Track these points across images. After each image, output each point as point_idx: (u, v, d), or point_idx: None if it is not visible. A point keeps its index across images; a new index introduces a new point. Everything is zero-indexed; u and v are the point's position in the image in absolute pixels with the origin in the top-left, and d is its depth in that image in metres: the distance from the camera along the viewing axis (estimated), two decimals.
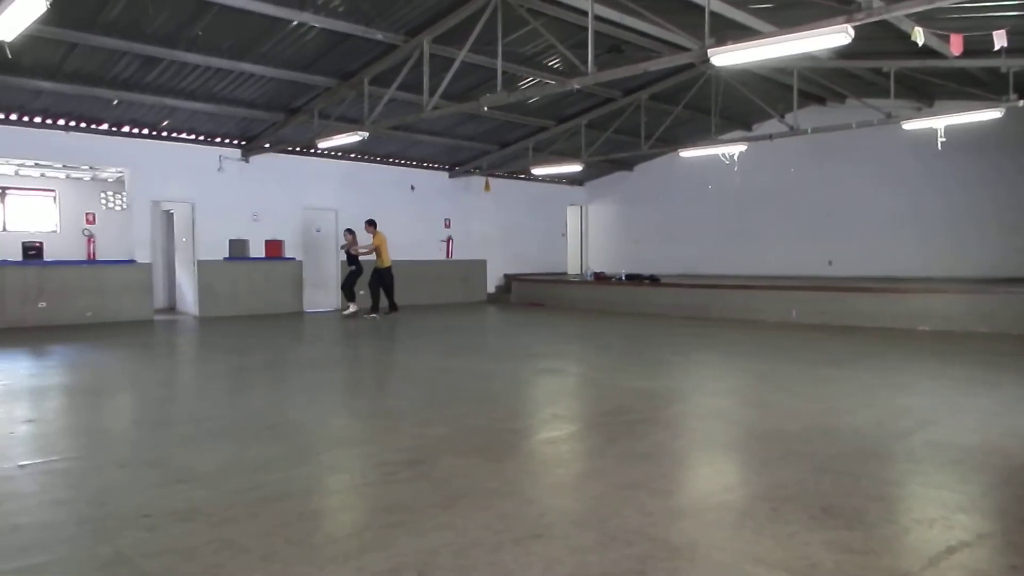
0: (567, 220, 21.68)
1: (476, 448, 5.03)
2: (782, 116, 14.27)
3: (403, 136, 15.43)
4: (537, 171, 17.27)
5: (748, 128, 17.47)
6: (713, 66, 9.40)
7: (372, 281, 14.39)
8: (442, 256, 18.38)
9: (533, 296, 18.45)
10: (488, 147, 17.25)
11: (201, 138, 14.17)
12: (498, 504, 3.91)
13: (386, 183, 17.05)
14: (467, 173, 18.37)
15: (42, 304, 12.27)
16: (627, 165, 20.27)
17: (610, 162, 19.15)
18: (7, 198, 15.58)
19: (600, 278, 17.87)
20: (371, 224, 14.40)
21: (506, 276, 19.70)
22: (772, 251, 17.31)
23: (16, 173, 15.26)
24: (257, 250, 15.02)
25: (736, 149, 14.80)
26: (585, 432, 5.78)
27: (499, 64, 9.87)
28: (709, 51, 7.52)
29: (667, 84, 14.00)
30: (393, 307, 14.55)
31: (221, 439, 5.34)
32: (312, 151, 15.26)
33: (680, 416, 6.25)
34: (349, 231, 14.82)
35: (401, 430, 5.61)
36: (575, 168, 16.61)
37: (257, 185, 14.87)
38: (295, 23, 9.86)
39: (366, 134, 11.98)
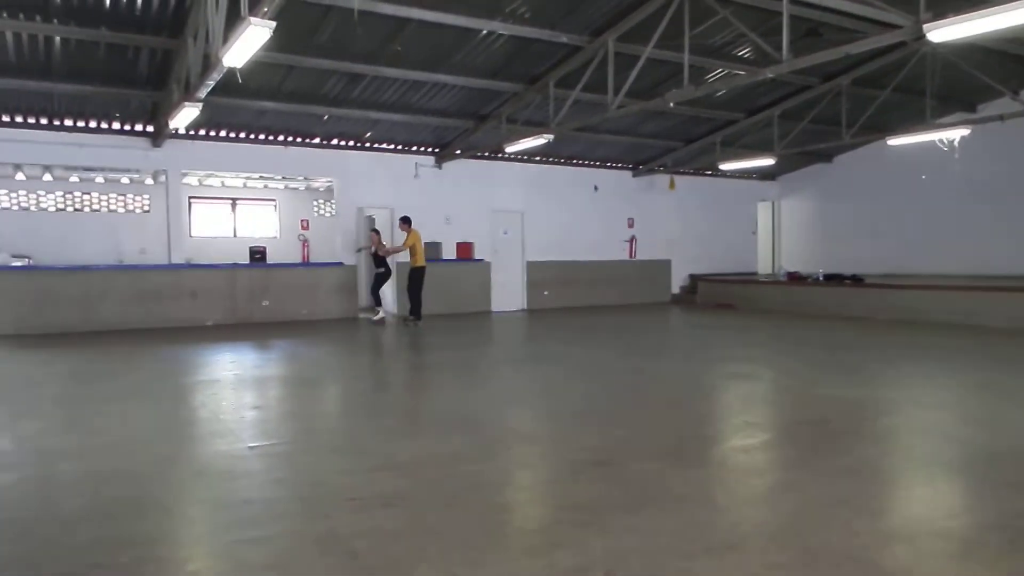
0: (758, 217, 20.65)
1: (664, 452, 4.93)
2: (1015, 93, 12.62)
3: (587, 137, 15.50)
4: (725, 167, 16.62)
5: (972, 109, 15.61)
6: (929, 42, 8.49)
7: (410, 284, 13.37)
8: (625, 256, 18.23)
9: (721, 297, 17.77)
10: (673, 144, 16.87)
11: (399, 147, 15.13)
12: (688, 511, 3.80)
13: (570, 184, 17.21)
14: (651, 171, 18.08)
15: (265, 302, 13.70)
16: (825, 157, 18.91)
17: (806, 154, 17.96)
18: (237, 208, 17.58)
19: (794, 278, 16.84)
20: (405, 222, 13.37)
21: (691, 276, 19.15)
22: (1000, 248, 15.36)
23: (244, 185, 17.19)
24: (449, 252, 15.77)
25: (957, 134, 13.27)
26: (781, 441, 5.47)
27: (685, 58, 9.62)
28: (925, 27, 6.81)
29: (872, 66, 12.87)
30: (417, 314, 13.37)
31: (418, 431, 5.66)
32: (500, 155, 15.76)
33: (890, 430, 5.72)
34: (375, 231, 13.96)
35: (586, 430, 5.62)
36: (767, 162, 15.78)
37: (449, 190, 15.62)
38: (484, 32, 10.23)
39: (551, 136, 12.17)
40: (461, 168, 15.60)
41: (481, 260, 16.14)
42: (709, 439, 5.52)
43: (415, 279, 13.30)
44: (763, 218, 20.87)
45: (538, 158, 16.56)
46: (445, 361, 9.37)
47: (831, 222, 19.22)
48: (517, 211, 16.57)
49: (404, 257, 13.58)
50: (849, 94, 13.59)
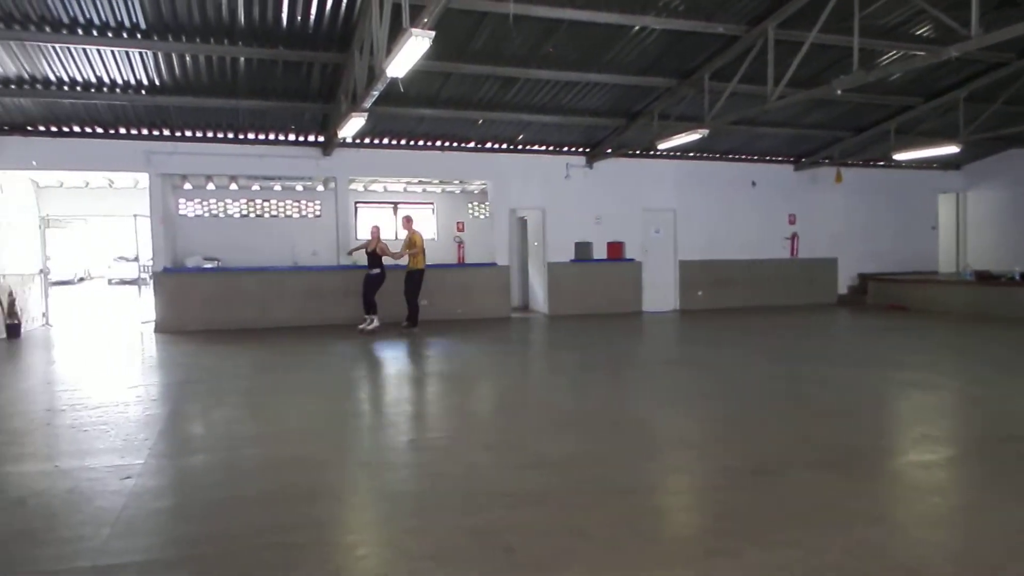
0: (938, 211, 18.88)
1: (831, 463, 4.64)
2: None
3: (744, 130, 14.87)
4: (900, 156, 15.32)
5: None
6: None
7: (408, 287, 12.49)
8: (786, 255, 17.31)
9: (894, 297, 16.43)
10: (839, 134, 15.81)
11: (550, 148, 15.26)
12: (860, 528, 3.55)
13: (725, 180, 16.59)
14: (814, 164, 17.04)
15: (424, 301, 14.28)
16: (1022, 142, 16.97)
17: (999, 139, 16.18)
18: (398, 211, 18.47)
19: (983, 277, 15.23)
20: (410, 221, 12.82)
21: (860, 275, 17.86)
22: None
23: (404, 189, 18.02)
24: (600, 252, 15.71)
25: None
26: (967, 459, 4.97)
27: (855, 41, 8.96)
28: None
29: None
30: (413, 320, 12.56)
31: (569, 430, 5.68)
32: (651, 153, 15.48)
33: None
34: (375, 227, 12.90)
35: (744, 437, 5.40)
36: (950, 150, 14.37)
37: (599, 189, 15.55)
38: (637, 28, 10.09)
39: (706, 131, 11.79)
40: (612, 167, 15.49)
41: (632, 260, 15.95)
42: (882, 451, 5.13)
43: (415, 282, 12.51)
44: (945, 211, 19.05)
45: (691, 154, 16.11)
46: (596, 362, 9.35)
47: None
48: (669, 209, 16.21)
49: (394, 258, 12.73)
50: None
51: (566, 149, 15.30)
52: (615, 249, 15.82)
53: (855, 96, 13.23)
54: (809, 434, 5.41)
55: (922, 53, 10.16)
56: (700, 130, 11.69)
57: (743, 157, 16.74)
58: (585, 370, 8.69)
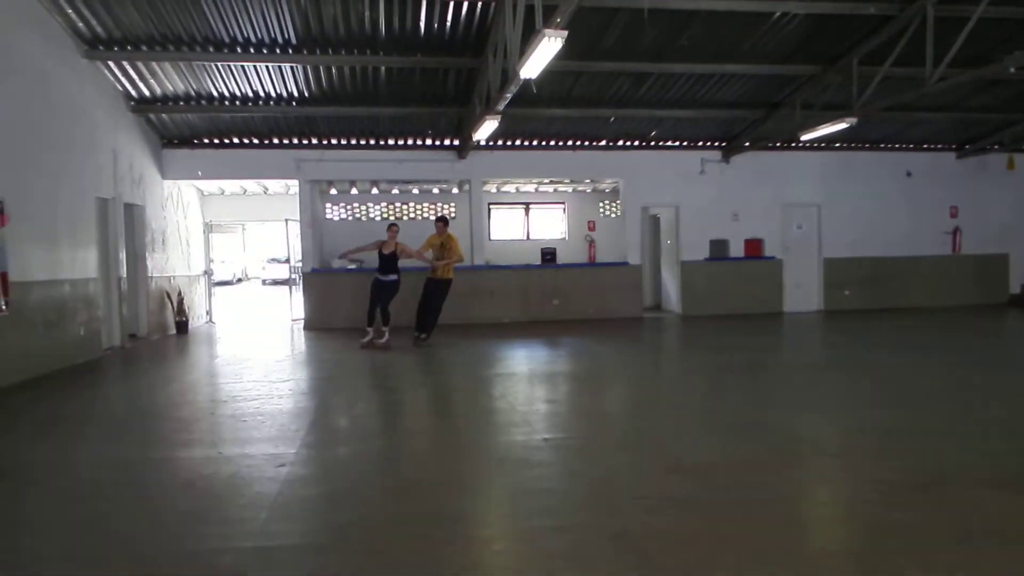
0: None
1: (1004, 480, 4.22)
2: None
3: (898, 117, 13.82)
4: None
5: None
6: None
7: (439, 298, 11.01)
8: (946, 250, 15.93)
9: None
10: (1012, 117, 14.33)
11: (684, 143, 14.87)
12: None
13: (876, 171, 15.49)
14: (981, 151, 15.58)
15: (555, 301, 14.35)
16: None
17: None
18: (530, 212, 18.65)
19: None
20: (444, 222, 11.32)
21: None
22: None
23: (536, 190, 18.18)
24: (737, 250, 15.14)
25: None
26: None
27: None
28: None
29: None
30: (429, 330, 11.01)
31: (709, 435, 5.50)
32: (793, 145, 14.73)
33: None
34: (393, 225, 11.27)
35: (901, 448, 5.01)
36: None
37: (736, 184, 14.98)
38: (778, 14, 9.64)
39: (854, 120, 11.06)
40: (750, 161, 14.88)
41: (772, 258, 15.25)
42: None
43: (445, 293, 11.05)
44: None
45: (838, 144, 15.18)
46: (734, 363, 9.01)
47: None
48: (813, 204, 15.36)
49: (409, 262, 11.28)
50: None
51: (701, 144, 14.87)
52: (753, 247, 15.19)
53: None
54: (977, 447, 4.95)
55: None
56: (848, 119, 10.99)
57: (896, 146, 15.60)
58: (722, 372, 8.40)
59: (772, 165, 15.00)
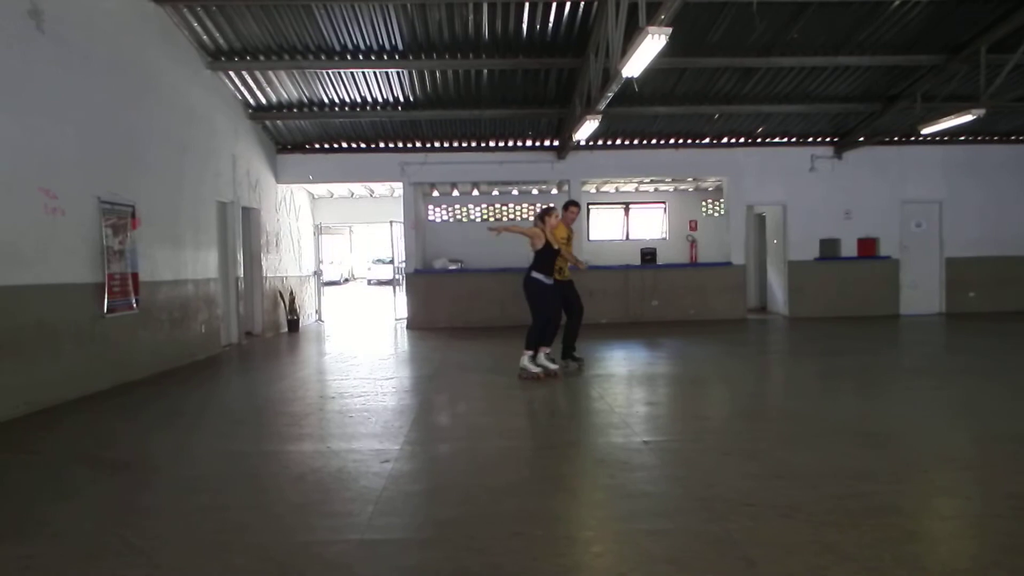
0: None
1: None
2: None
3: None
4: None
5: None
6: None
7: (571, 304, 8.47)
8: None
9: None
10: None
11: (793, 139, 14.33)
12: None
13: (1006, 166, 14.40)
14: None
15: (655, 302, 14.14)
16: None
17: None
18: (629, 212, 18.45)
19: None
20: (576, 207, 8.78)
21: None
22: None
23: (636, 189, 17.96)
24: (849, 249, 14.44)
25: None
26: None
27: None
28: None
29: None
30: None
31: (816, 440, 5.28)
32: (912, 139, 13.92)
33: None
34: (548, 211, 8.14)
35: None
36: None
37: (849, 181, 14.29)
38: (898, 2, 9.13)
39: (982, 111, 10.34)
40: (864, 156, 14.17)
41: (888, 257, 14.46)
42: None
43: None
44: None
45: (962, 138, 14.23)
46: (845, 367, 8.60)
47: None
48: (934, 201, 14.45)
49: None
50: None
51: (811, 140, 14.30)
52: (867, 246, 14.45)
53: None
54: None
55: None
56: (975, 111, 10.29)
57: None
58: (831, 377, 8.03)
59: (889, 160, 14.23)
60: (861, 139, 13.66)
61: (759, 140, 14.27)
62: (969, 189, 14.31)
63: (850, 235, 14.44)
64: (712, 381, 8.39)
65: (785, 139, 14.30)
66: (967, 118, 10.60)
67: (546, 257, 7.79)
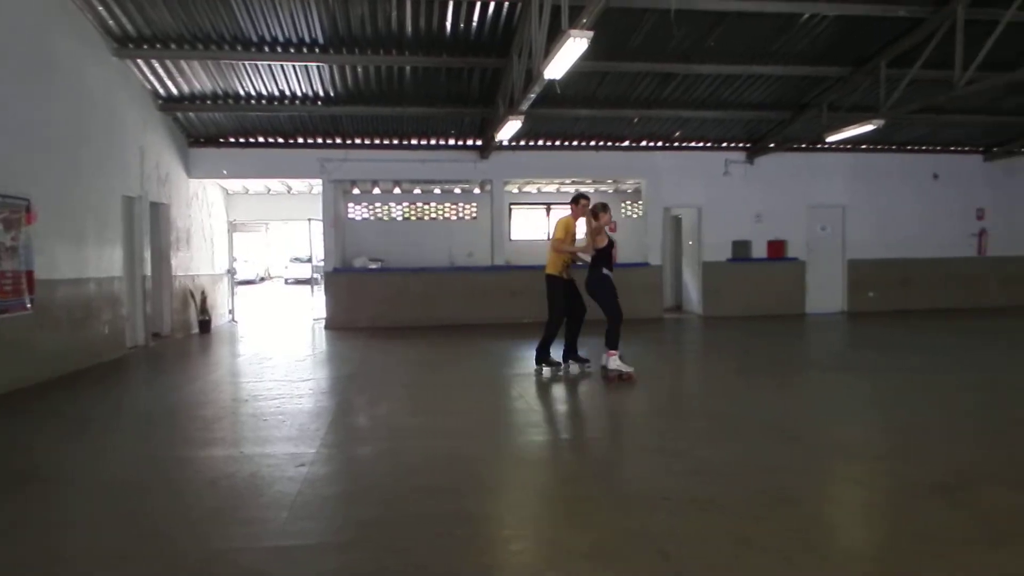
0: None
1: None
2: None
3: (926, 119, 13.61)
4: None
5: None
6: None
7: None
8: (972, 253, 15.68)
9: None
10: None
11: (709, 144, 14.76)
12: None
13: (902, 173, 15.28)
14: (1010, 154, 15.33)
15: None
16: None
17: None
18: (551, 212, 18.62)
19: None
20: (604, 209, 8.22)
21: None
22: None
23: (557, 190, 18.15)
24: (759, 251, 15.01)
25: None
26: None
27: None
28: None
29: None
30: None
31: (732, 436, 5.45)
32: (819, 146, 14.59)
33: None
34: (602, 209, 8.04)
35: (926, 450, 4.95)
36: None
37: (760, 186, 14.86)
38: (807, 16, 9.54)
39: (881, 122, 10.93)
40: (774, 162, 14.75)
41: (795, 259, 15.11)
42: None
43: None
44: None
45: (864, 146, 15.01)
46: (756, 365, 8.94)
47: None
48: (837, 205, 15.19)
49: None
50: None
51: (725, 145, 14.77)
52: (776, 248, 15.05)
53: None
54: (1000, 449, 4.87)
55: None
56: (875, 121, 10.87)
57: (924, 148, 15.40)
58: (744, 374, 8.33)
59: (797, 166, 14.87)
60: (772, 145, 14.22)
61: (677, 144, 14.64)
62: (870, 195, 15.12)
63: (761, 237, 15.00)
64: (633, 379, 8.54)
65: (701, 144, 14.73)
66: (868, 128, 11.19)
67: (605, 252, 7.93)
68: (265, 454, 4.98)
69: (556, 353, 8.23)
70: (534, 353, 8.28)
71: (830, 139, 12.38)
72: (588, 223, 8.01)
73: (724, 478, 4.34)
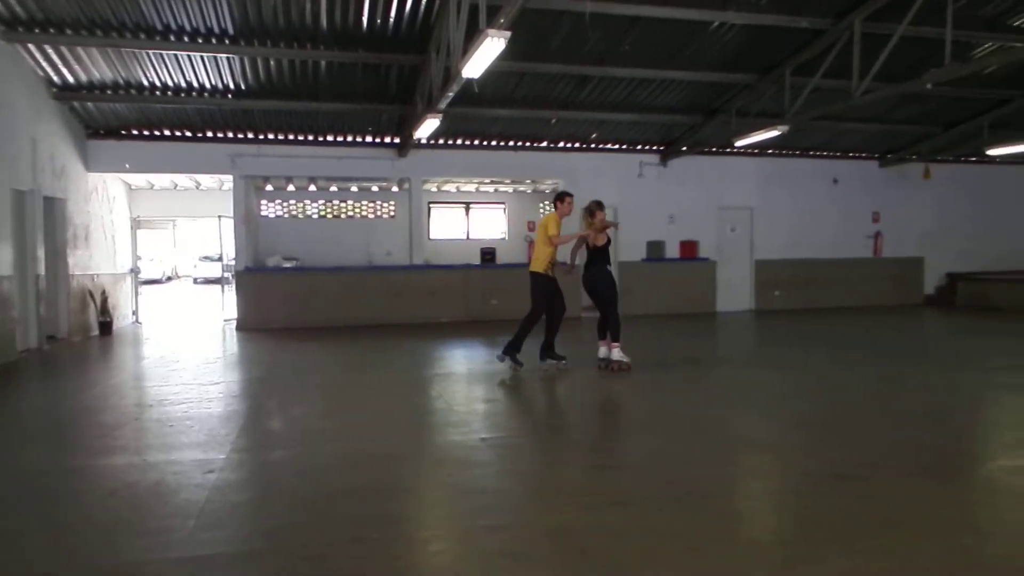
0: None
1: (917, 468, 4.44)
2: None
3: (827, 126, 14.36)
4: (995, 152, 14.51)
5: None
6: None
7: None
8: (868, 254, 16.62)
9: (987, 299, 15.57)
10: (930, 129, 15.09)
11: (624, 146, 15.09)
12: (951, 535, 3.40)
13: (806, 177, 16.05)
14: (901, 161, 16.32)
15: (494, 301, 14.35)
16: None
17: None
18: (470, 211, 18.62)
19: None
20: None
21: (949, 275, 16.98)
22: None
23: (476, 189, 18.16)
24: (672, 251, 15.44)
25: None
26: None
27: (948, 33, 8.54)
28: None
29: None
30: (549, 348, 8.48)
31: (646, 431, 5.59)
32: (728, 150, 15.14)
33: None
34: (597, 207, 8.36)
35: (825, 441, 5.20)
36: None
37: (673, 187, 15.29)
38: (716, 24, 9.88)
39: (786, 128, 11.45)
40: (687, 165, 15.21)
41: (706, 259, 15.62)
42: (973, 457, 4.90)
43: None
44: None
45: (771, 151, 15.67)
46: (670, 362, 9.18)
47: None
48: (746, 207, 15.80)
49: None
50: None
51: (640, 147, 15.12)
52: (689, 248, 15.53)
53: (948, 90, 12.64)
54: (897, 438, 5.17)
55: (1021, 45, 9.59)
56: (780, 127, 11.38)
57: (825, 154, 16.20)
58: (658, 371, 8.54)
59: (708, 169, 15.37)
60: (684, 148, 14.66)
61: (594, 146, 14.90)
62: (776, 197, 15.79)
63: (674, 238, 15.43)
64: (552, 378, 8.63)
65: (617, 146, 15.03)
66: (774, 133, 11.70)
67: (605, 248, 8.32)
68: (171, 461, 4.77)
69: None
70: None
71: (739, 143, 12.87)
72: (586, 221, 8.31)
73: (638, 472, 4.44)
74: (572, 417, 6.51)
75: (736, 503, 4.10)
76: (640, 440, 5.29)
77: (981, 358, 9.21)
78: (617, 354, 8.10)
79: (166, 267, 36.02)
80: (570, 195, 8.44)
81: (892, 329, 12.61)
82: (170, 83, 11.04)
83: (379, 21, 9.45)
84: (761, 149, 15.34)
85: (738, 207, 15.77)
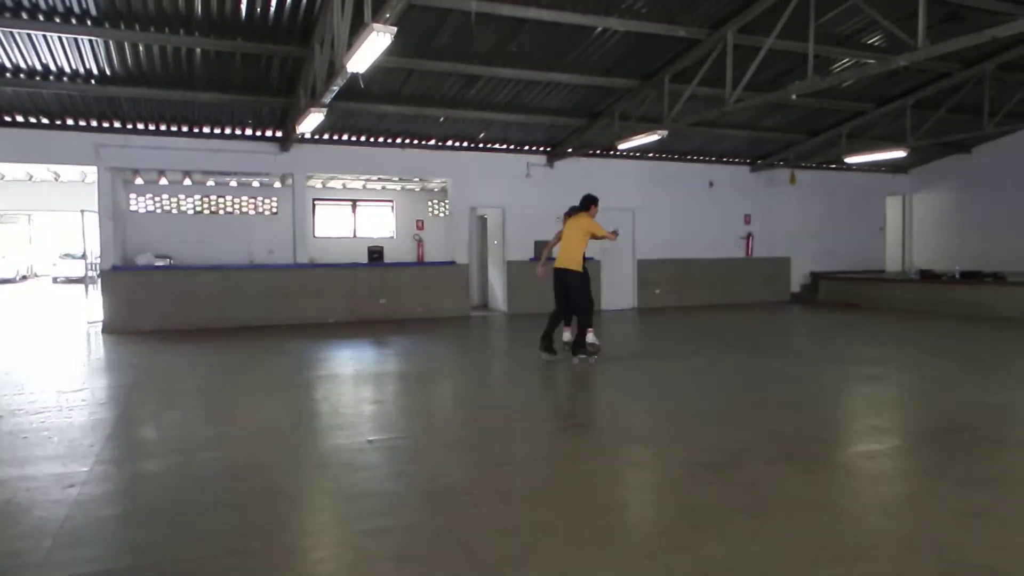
0: (886, 212, 19.43)
1: (784, 456, 4.74)
2: None
3: (703, 132, 15.06)
4: (852, 160, 15.73)
5: None
6: None
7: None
8: (742, 254, 17.61)
9: (845, 296, 16.86)
10: (795, 137, 16.14)
11: (511, 147, 15.23)
12: (811, 517, 3.65)
13: (684, 180, 16.80)
14: (770, 166, 17.38)
15: (383, 301, 14.15)
16: (964, 148, 17.57)
17: (942, 146, 16.75)
18: (357, 209, 18.27)
19: (927, 276, 15.75)
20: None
21: (813, 274, 18.26)
22: None
23: (363, 187, 17.85)
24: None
25: None
26: (912, 448, 5.12)
27: (810, 48, 9.17)
28: None
29: (1022, 50, 11.83)
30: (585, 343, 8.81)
31: (533, 428, 5.67)
32: (612, 153, 15.59)
33: None
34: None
35: (702, 432, 5.47)
36: (898, 154, 14.80)
37: (560, 188, 15.54)
38: (600, 29, 10.14)
39: (665, 132, 11.92)
40: (573, 166, 15.55)
41: (591, 259, 15.95)
42: (832, 443, 5.28)
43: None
44: (892, 213, 19.62)
45: (652, 155, 16.27)
46: (557, 358, 9.37)
47: (969, 217, 17.81)
48: (629, 209, 16.34)
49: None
50: (994, 80, 12.54)
51: (527, 148, 15.31)
52: None
53: (811, 101, 13.56)
54: (764, 428, 5.50)
55: (873, 61, 10.42)
56: (660, 131, 11.82)
57: (702, 158, 16.97)
58: (547, 367, 8.69)
59: (593, 171, 15.74)
60: (570, 150, 14.97)
61: (481, 145, 14.95)
62: (657, 200, 16.42)
63: None
64: (439, 377, 8.62)
65: (504, 146, 15.15)
66: (654, 137, 12.15)
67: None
68: (24, 476, 4.41)
69: (590, 336, 8.76)
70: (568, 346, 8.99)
71: (621, 146, 13.27)
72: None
73: (522, 469, 4.50)
74: (457, 416, 6.52)
75: (618, 495, 4.23)
76: (525, 438, 5.37)
77: (840, 351, 9.94)
78: (591, 336, 8.80)
79: (21, 265, 33.21)
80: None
81: (761, 325, 13.40)
82: (23, 65, 10.16)
83: (259, 10, 9.09)
84: (643, 153, 15.89)
85: (621, 208, 16.25)
